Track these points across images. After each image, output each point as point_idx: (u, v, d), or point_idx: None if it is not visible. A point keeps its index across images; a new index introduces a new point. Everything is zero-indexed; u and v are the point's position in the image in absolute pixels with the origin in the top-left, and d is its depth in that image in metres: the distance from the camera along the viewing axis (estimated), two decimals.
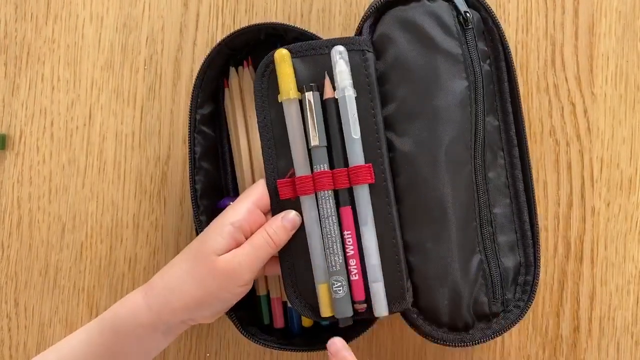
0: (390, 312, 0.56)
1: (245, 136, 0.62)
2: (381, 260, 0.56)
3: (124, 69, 0.67)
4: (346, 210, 0.56)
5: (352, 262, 0.55)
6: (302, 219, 0.56)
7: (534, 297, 0.58)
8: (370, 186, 0.56)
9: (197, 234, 0.60)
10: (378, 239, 0.56)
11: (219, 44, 0.60)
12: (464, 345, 0.57)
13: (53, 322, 0.66)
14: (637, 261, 0.65)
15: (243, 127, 0.62)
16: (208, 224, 0.57)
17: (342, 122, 0.56)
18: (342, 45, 0.56)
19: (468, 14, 0.57)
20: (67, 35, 0.67)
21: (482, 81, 0.57)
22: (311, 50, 0.57)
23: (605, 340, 0.65)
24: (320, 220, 0.56)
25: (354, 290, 0.56)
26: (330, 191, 0.55)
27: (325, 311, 0.56)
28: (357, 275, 0.56)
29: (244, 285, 0.55)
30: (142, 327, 0.54)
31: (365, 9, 0.61)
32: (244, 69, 0.63)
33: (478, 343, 0.57)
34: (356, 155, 0.55)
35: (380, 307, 0.55)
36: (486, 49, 0.59)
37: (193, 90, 0.61)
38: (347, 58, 0.56)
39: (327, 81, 0.56)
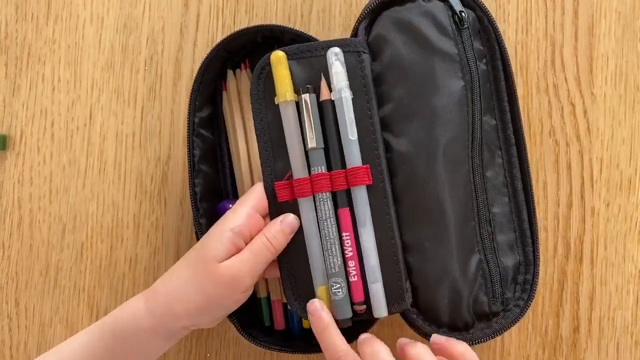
0: (390, 312, 0.56)
1: (243, 138, 0.62)
2: (380, 261, 0.56)
3: (124, 70, 0.67)
4: (344, 212, 0.56)
5: (351, 264, 0.56)
6: (300, 222, 0.56)
7: (534, 296, 0.58)
8: (368, 187, 0.56)
9: (197, 236, 0.60)
10: (376, 240, 0.56)
11: (216, 47, 0.60)
12: None
13: (54, 322, 0.66)
14: (636, 261, 0.65)
15: (241, 129, 0.62)
16: (208, 226, 0.57)
17: (339, 123, 0.56)
18: (338, 46, 0.56)
19: (463, 14, 0.57)
20: (68, 35, 0.68)
21: (478, 80, 0.57)
22: (307, 52, 0.56)
23: (605, 341, 0.65)
24: (318, 222, 0.56)
25: (353, 292, 0.56)
26: (328, 193, 0.55)
27: None
28: (356, 276, 0.56)
29: (245, 292, 0.55)
30: (143, 332, 0.55)
31: None
32: (242, 71, 0.63)
33: (478, 342, 0.57)
34: (353, 157, 0.55)
35: (380, 308, 0.55)
36: (482, 48, 0.59)
37: (191, 94, 0.60)
38: (343, 59, 0.56)
39: (323, 83, 0.56)
